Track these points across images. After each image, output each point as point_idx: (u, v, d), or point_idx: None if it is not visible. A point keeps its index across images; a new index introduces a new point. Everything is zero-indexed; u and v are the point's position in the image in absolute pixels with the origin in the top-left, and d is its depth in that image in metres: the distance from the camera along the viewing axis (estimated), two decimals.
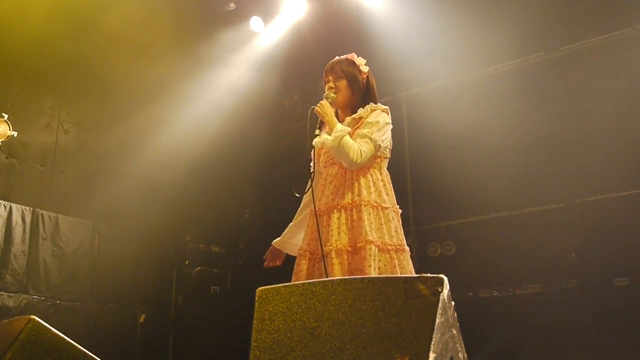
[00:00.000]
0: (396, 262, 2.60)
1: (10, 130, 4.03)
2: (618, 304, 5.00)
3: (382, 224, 2.65)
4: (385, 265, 2.57)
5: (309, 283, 1.75)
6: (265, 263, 3.00)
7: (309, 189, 2.79)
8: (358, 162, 2.63)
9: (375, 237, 2.58)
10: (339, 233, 2.62)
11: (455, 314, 1.66)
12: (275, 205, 6.77)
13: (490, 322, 5.40)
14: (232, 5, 6.18)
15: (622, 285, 5.07)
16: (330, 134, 2.73)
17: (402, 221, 2.82)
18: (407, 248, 2.71)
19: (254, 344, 1.68)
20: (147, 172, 5.66)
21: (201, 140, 6.08)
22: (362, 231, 2.58)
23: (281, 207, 6.96)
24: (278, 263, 3.00)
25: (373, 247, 2.54)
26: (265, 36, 6.46)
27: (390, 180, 2.83)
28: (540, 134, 5.71)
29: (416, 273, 2.54)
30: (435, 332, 1.47)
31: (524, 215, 5.71)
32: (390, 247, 2.61)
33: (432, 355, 1.44)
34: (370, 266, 2.50)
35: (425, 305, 1.52)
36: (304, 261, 2.70)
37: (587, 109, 5.52)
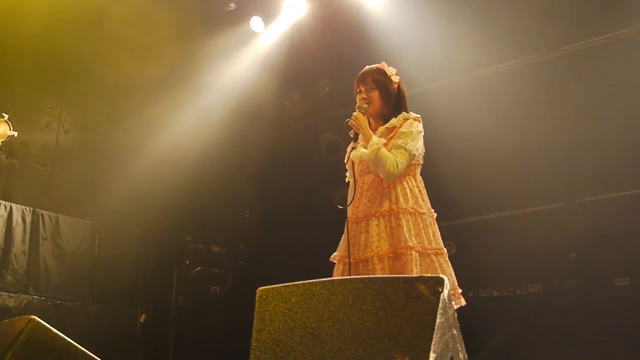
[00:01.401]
0: (437, 264, 2.67)
1: (10, 130, 4.02)
2: (618, 304, 4.99)
3: (420, 230, 2.71)
4: (427, 269, 2.64)
5: (309, 283, 1.75)
6: None
7: (351, 200, 2.80)
8: (395, 173, 2.71)
9: (415, 242, 2.64)
10: (379, 239, 2.67)
11: (456, 314, 1.66)
12: (275, 205, 6.78)
13: (491, 322, 5.39)
14: (232, 5, 6.18)
15: (622, 285, 5.07)
16: (365, 146, 2.78)
17: None
18: (445, 250, 2.78)
19: (255, 344, 1.68)
20: (147, 172, 5.66)
21: (201, 140, 6.08)
22: (402, 238, 2.64)
23: (281, 207, 7.00)
24: None
25: (414, 252, 2.61)
26: (265, 36, 6.46)
27: (424, 185, 2.91)
28: (540, 133, 5.71)
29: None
30: (435, 332, 1.47)
31: (524, 215, 5.71)
32: (430, 251, 2.68)
33: (432, 355, 1.44)
34: (412, 270, 2.56)
35: (426, 305, 1.52)
36: (341, 265, 2.76)
37: (588, 109, 5.52)
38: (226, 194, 6.47)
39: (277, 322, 1.68)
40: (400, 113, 2.91)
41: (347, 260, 2.72)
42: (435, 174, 6.11)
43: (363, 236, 2.73)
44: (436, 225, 2.81)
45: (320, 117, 6.85)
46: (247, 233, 6.83)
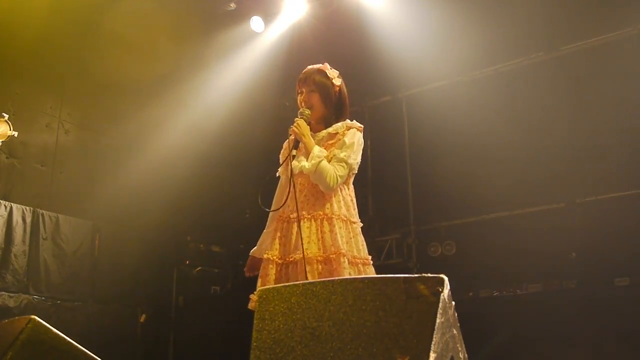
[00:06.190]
0: (364, 275, 2.67)
1: (10, 130, 4.02)
2: (618, 304, 5.00)
3: (350, 238, 2.72)
4: None
5: (309, 283, 1.75)
6: (247, 273, 3.01)
7: (285, 201, 2.78)
8: (334, 187, 2.70)
9: (346, 250, 2.64)
10: (309, 242, 2.66)
11: (456, 314, 1.66)
12: None
13: (491, 322, 5.40)
14: (232, 5, 6.19)
15: (623, 285, 5.08)
16: (306, 155, 2.77)
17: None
18: (371, 261, 2.78)
19: (255, 344, 1.68)
20: (147, 172, 5.66)
21: (201, 140, 6.07)
22: (335, 243, 2.63)
23: None
24: (258, 272, 3.00)
25: (345, 259, 2.60)
26: (265, 36, 6.46)
27: (354, 195, 2.88)
28: (540, 133, 5.72)
29: (417, 273, 2.55)
30: (435, 332, 1.47)
31: (524, 215, 5.71)
32: (358, 261, 2.69)
33: (432, 355, 1.44)
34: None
35: (426, 305, 1.52)
36: (271, 266, 2.71)
37: (587, 109, 5.52)
38: (226, 194, 6.47)
39: (277, 322, 1.68)
40: (342, 116, 2.87)
41: (278, 260, 2.71)
42: (436, 174, 6.16)
43: (293, 237, 2.70)
44: (362, 236, 2.80)
45: None
46: (247, 233, 6.81)
